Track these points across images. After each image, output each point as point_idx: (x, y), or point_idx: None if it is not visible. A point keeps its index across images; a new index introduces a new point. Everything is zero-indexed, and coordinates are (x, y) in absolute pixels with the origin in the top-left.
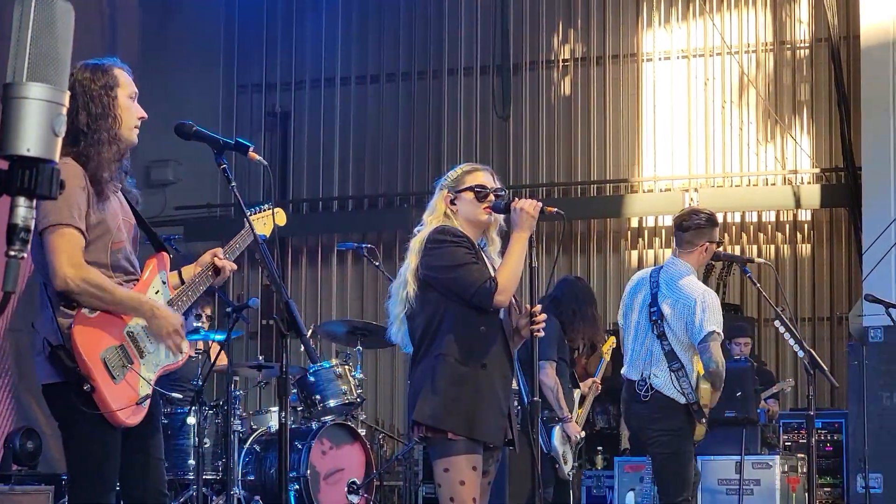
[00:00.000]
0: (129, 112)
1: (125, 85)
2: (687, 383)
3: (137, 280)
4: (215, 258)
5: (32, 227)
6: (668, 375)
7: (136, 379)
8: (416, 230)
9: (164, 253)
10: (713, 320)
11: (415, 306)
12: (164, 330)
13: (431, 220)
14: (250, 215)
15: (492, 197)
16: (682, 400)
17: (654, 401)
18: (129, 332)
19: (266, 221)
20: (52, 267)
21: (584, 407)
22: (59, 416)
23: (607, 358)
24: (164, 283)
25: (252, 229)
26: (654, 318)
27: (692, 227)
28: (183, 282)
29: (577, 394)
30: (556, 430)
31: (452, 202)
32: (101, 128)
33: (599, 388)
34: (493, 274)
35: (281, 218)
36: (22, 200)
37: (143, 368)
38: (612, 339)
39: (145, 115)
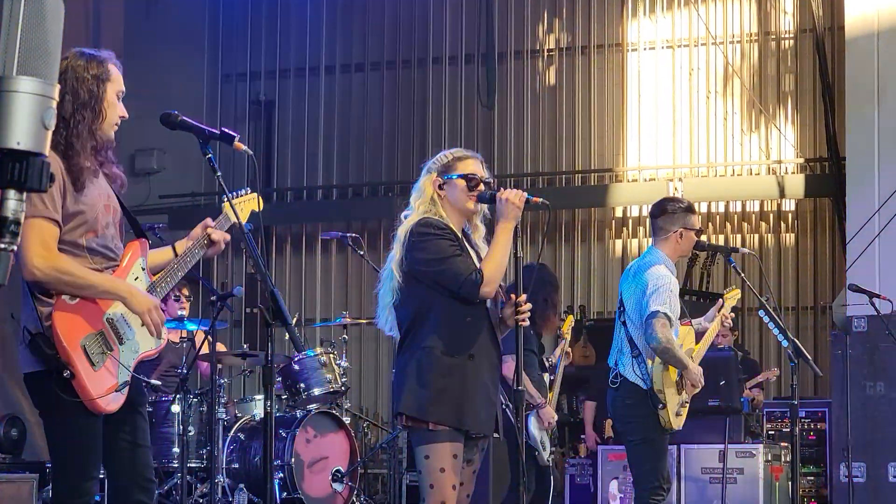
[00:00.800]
0: (114, 109)
1: (115, 81)
2: (644, 369)
3: (118, 266)
4: (208, 228)
5: (22, 220)
6: (631, 362)
7: (116, 365)
8: (403, 215)
9: (144, 239)
10: (659, 301)
11: (401, 297)
12: (144, 307)
13: (419, 204)
14: (226, 201)
15: (482, 186)
16: (644, 386)
17: (622, 387)
18: (109, 319)
19: (243, 207)
20: (22, 257)
21: (555, 390)
22: (41, 404)
23: (568, 337)
24: (143, 269)
25: (235, 213)
26: (619, 306)
27: (662, 213)
28: (177, 255)
29: (546, 378)
30: (532, 418)
31: (441, 187)
32: (85, 118)
33: (571, 355)
34: (477, 264)
35: (257, 203)
36: (12, 193)
37: (123, 355)
38: (571, 317)
39: (126, 115)
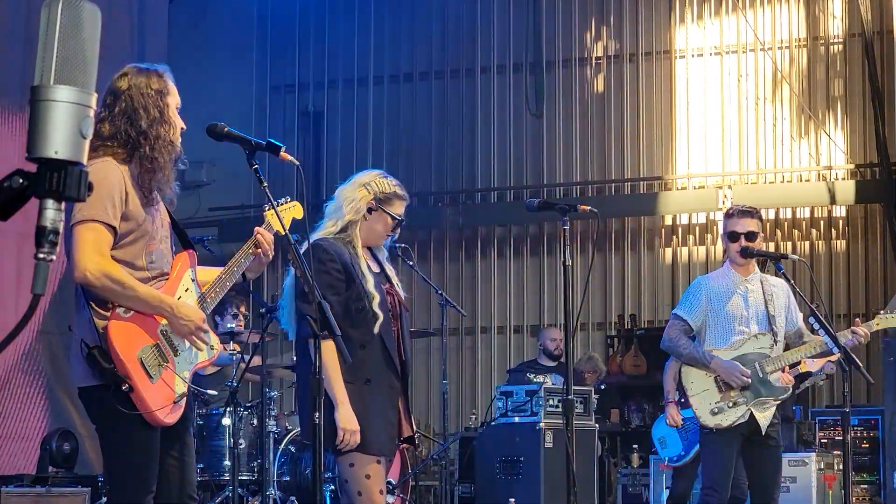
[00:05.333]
0: (177, 121)
1: (174, 94)
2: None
3: (168, 277)
4: (257, 234)
5: (61, 230)
6: None
7: (172, 377)
8: (329, 222)
9: (192, 251)
10: (680, 304)
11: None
12: (186, 329)
13: (348, 216)
14: (268, 210)
15: (397, 231)
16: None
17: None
18: (163, 331)
19: (284, 215)
20: (74, 259)
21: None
22: (97, 418)
23: None
24: (193, 280)
25: (280, 219)
26: None
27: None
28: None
29: None
30: None
31: (370, 210)
32: (161, 133)
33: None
34: (371, 289)
35: (298, 212)
36: (50, 203)
37: (178, 366)
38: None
39: (185, 127)
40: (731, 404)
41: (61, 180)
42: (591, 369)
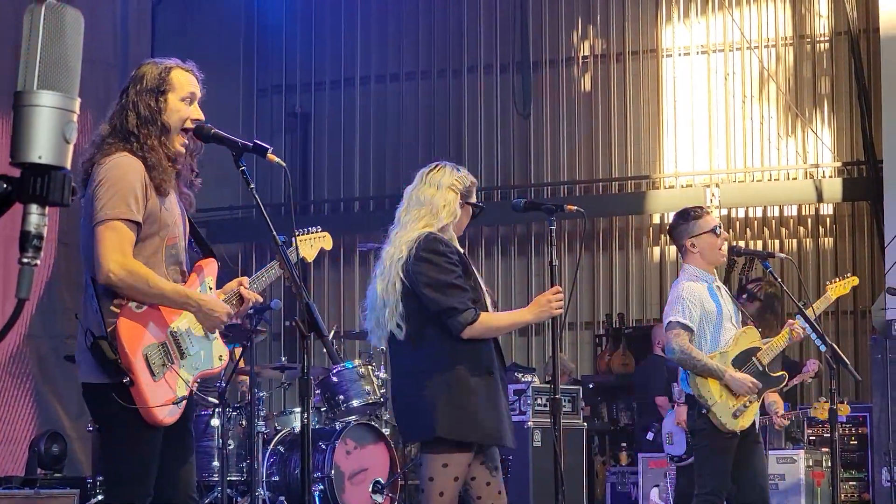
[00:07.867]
0: (176, 115)
1: (180, 87)
2: (685, 376)
3: (184, 282)
4: (241, 288)
5: (45, 235)
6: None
7: (175, 379)
8: (421, 223)
9: (213, 259)
10: (671, 312)
11: (408, 308)
12: (217, 321)
13: (447, 220)
14: (298, 236)
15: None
16: (689, 392)
17: (687, 398)
18: (173, 332)
19: (313, 244)
20: (98, 259)
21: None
22: (100, 415)
23: None
24: (210, 289)
25: (287, 260)
26: None
27: (671, 230)
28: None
29: None
30: None
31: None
32: (151, 133)
33: None
34: (482, 286)
35: (328, 242)
36: (34, 208)
37: (183, 370)
38: None
39: (198, 117)
40: (747, 404)
41: (45, 185)
42: (561, 371)
